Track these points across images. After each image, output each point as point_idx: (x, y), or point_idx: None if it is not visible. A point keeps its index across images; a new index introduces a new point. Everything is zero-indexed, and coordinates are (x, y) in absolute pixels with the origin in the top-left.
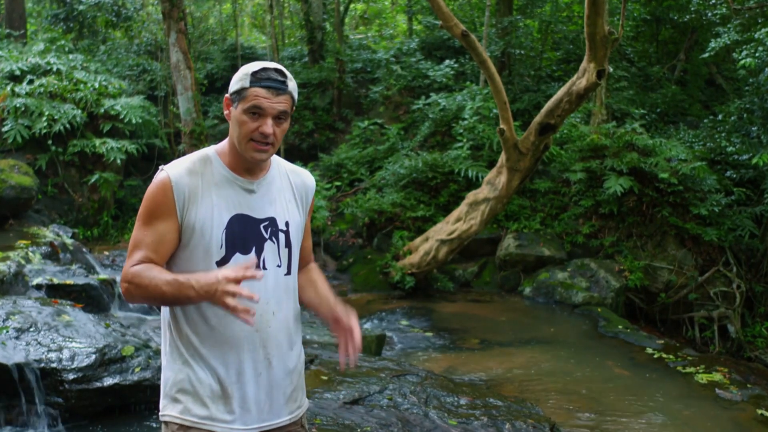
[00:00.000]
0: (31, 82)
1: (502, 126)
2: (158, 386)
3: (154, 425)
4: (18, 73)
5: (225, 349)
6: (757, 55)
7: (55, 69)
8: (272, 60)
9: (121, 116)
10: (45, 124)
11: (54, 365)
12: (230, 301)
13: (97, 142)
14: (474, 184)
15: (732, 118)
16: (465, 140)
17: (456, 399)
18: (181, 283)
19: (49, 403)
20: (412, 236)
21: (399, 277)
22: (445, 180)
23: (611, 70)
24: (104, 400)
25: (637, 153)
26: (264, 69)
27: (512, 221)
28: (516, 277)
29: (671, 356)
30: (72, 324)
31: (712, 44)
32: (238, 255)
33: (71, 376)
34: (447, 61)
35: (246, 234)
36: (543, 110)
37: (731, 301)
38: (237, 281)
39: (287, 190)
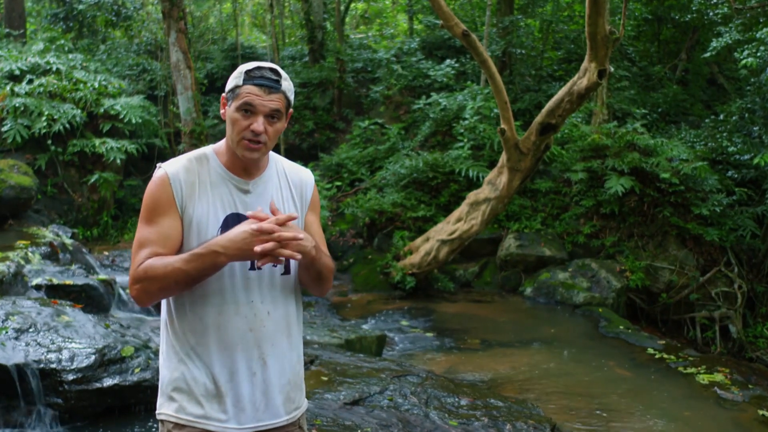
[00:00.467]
0: (30, 81)
1: (503, 126)
2: (158, 387)
3: (154, 426)
4: (17, 72)
5: (219, 347)
6: (758, 54)
7: (54, 68)
8: (272, 60)
9: (121, 116)
10: (44, 123)
11: (53, 366)
12: (267, 246)
13: (97, 141)
14: (475, 184)
15: (733, 117)
16: (466, 140)
17: (457, 399)
18: (201, 254)
19: (49, 404)
20: (413, 236)
21: (399, 277)
22: (445, 180)
23: (612, 69)
24: (104, 400)
25: (639, 153)
26: (258, 68)
27: (513, 221)
28: (517, 278)
29: (672, 357)
30: (71, 324)
31: (714, 44)
32: None
33: (71, 377)
34: (448, 61)
35: None
36: (544, 110)
37: (732, 301)
38: (268, 231)
39: (285, 188)
